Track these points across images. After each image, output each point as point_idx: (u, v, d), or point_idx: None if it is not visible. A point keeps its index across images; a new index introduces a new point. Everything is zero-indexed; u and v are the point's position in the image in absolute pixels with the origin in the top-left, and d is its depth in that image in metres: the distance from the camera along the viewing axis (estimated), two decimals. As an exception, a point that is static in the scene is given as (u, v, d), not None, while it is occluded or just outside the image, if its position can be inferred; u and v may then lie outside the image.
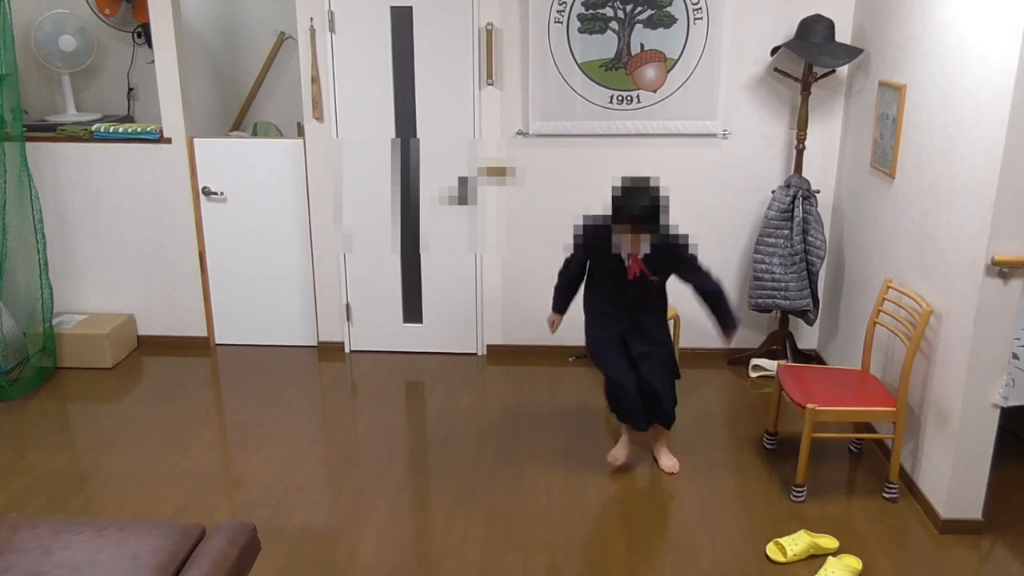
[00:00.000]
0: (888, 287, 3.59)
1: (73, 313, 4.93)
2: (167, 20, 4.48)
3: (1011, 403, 3.15)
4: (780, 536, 3.16)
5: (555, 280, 3.60)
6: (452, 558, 3.10)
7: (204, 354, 4.92)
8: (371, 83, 4.48)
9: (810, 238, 4.30)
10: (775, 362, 4.59)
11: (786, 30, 4.29)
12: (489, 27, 4.35)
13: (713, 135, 4.47)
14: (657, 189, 3.12)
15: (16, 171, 4.44)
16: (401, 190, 4.64)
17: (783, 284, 4.31)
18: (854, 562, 3.00)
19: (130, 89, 5.29)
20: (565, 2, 4.28)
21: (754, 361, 4.64)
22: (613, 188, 3.16)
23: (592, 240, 3.34)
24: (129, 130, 4.65)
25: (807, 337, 4.79)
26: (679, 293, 4.71)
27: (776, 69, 4.34)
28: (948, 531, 3.23)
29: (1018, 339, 3.15)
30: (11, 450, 3.85)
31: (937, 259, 3.28)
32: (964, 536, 3.21)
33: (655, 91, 4.40)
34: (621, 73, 4.38)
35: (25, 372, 4.52)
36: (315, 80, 4.48)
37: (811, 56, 4.07)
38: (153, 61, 4.62)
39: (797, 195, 4.25)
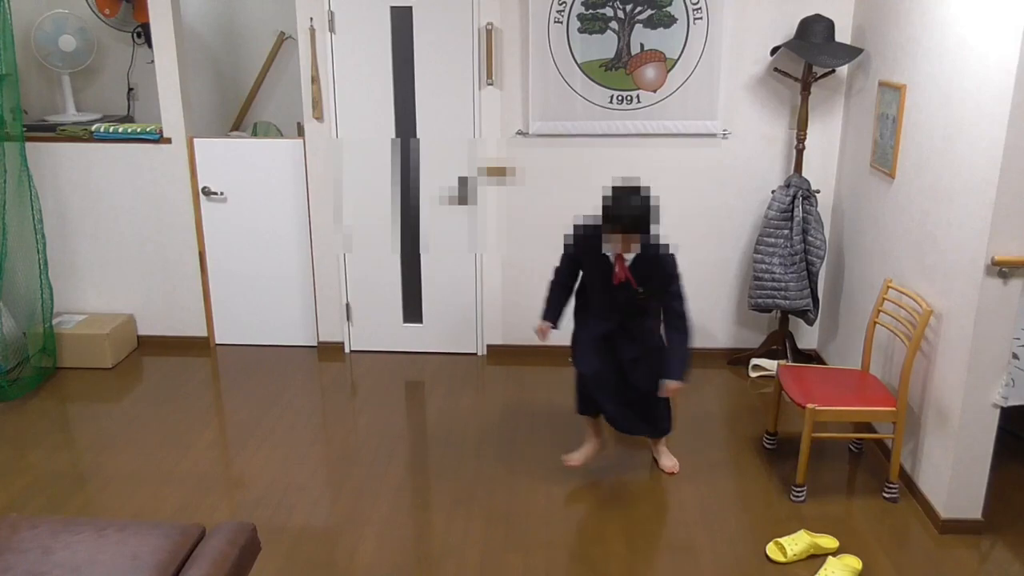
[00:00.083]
0: (888, 287, 3.59)
1: (73, 313, 4.93)
2: (167, 20, 4.48)
3: (1011, 403, 3.15)
4: (780, 536, 3.16)
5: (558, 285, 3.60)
6: (452, 558, 3.10)
7: (204, 354, 4.92)
8: (371, 83, 4.48)
9: (810, 238, 4.30)
10: (775, 362, 4.59)
11: (786, 30, 4.29)
12: (489, 27, 4.35)
13: (713, 135, 4.47)
14: (647, 193, 3.13)
15: (16, 171, 4.44)
16: (401, 190, 4.64)
17: (783, 284, 4.31)
18: (854, 562, 3.00)
19: (130, 89, 5.29)
20: (565, 2, 4.28)
21: (754, 361, 4.64)
22: (604, 192, 3.16)
23: (582, 242, 3.34)
24: (129, 130, 4.65)
25: (807, 337, 4.79)
26: (679, 293, 4.72)
27: (776, 69, 4.35)
28: (948, 531, 3.23)
29: (1018, 339, 3.15)
30: (11, 450, 3.85)
31: (937, 259, 3.28)
32: (964, 536, 3.21)
33: (655, 91, 4.40)
34: (621, 73, 4.38)
35: (25, 372, 4.52)
36: (315, 80, 4.48)
37: (811, 56, 4.07)
38: (153, 61, 4.62)
39: (797, 195, 4.25)
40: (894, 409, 3.32)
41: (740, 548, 3.15)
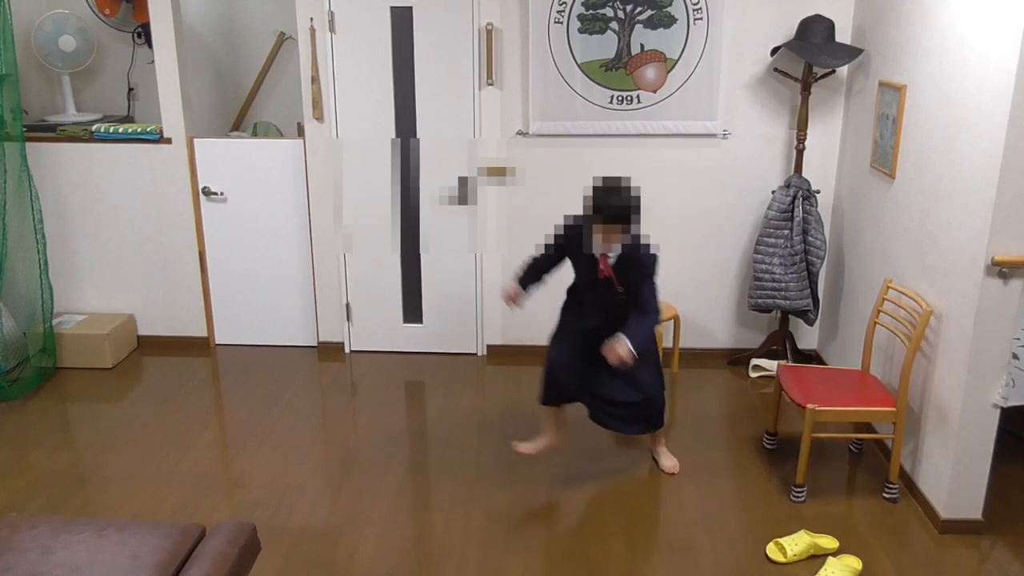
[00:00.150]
0: (888, 287, 3.59)
1: (73, 313, 4.93)
2: (167, 20, 4.48)
3: (1011, 403, 3.15)
4: (780, 536, 3.16)
5: (558, 284, 3.60)
6: (452, 558, 3.10)
7: (204, 354, 4.92)
8: (371, 83, 4.48)
9: (810, 238, 4.30)
10: (775, 362, 4.59)
11: (786, 30, 4.29)
12: (489, 27, 4.35)
13: (713, 135, 4.47)
14: (631, 188, 3.17)
15: (16, 171, 4.44)
16: (401, 190, 4.64)
17: (783, 284, 4.31)
18: (854, 562, 3.00)
19: (130, 89, 5.29)
20: (565, 2, 4.28)
21: (754, 361, 4.64)
22: (592, 186, 3.20)
23: (571, 237, 3.36)
24: (129, 130, 4.65)
25: (807, 337, 4.79)
26: (680, 293, 4.73)
27: (776, 69, 4.35)
28: (948, 531, 3.23)
29: (1018, 339, 3.15)
30: (11, 450, 3.85)
31: (937, 259, 3.28)
32: (964, 536, 3.21)
33: (655, 91, 4.40)
34: (621, 73, 4.38)
35: (25, 372, 4.52)
36: (315, 80, 4.48)
37: (811, 56, 4.07)
38: (153, 61, 4.62)
39: (797, 195, 4.25)
40: (894, 409, 3.32)
41: (740, 548, 3.15)
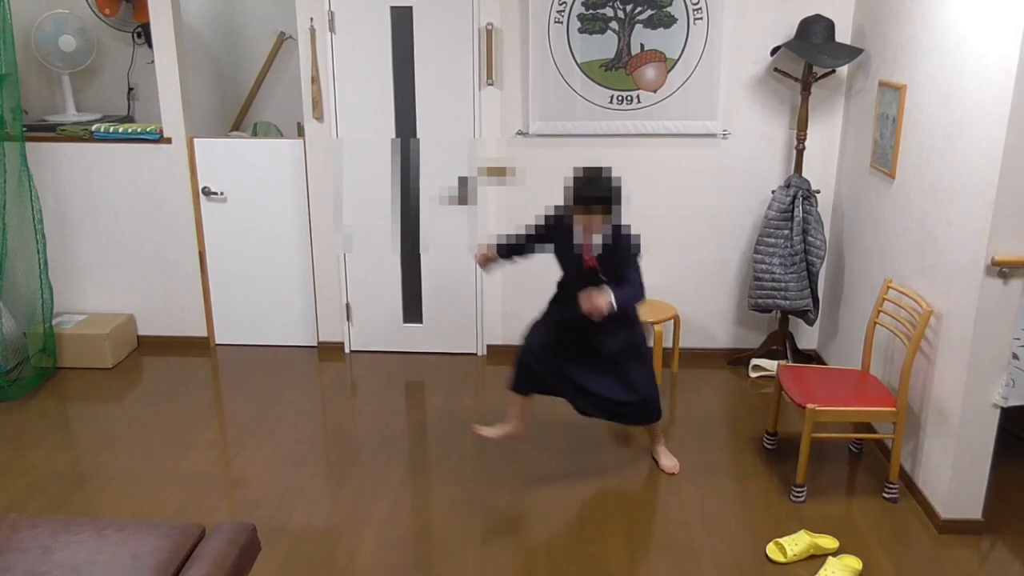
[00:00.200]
0: (888, 287, 3.59)
1: (73, 313, 4.93)
2: (167, 20, 4.48)
3: (1011, 403, 3.15)
4: (780, 536, 3.16)
5: (554, 282, 3.60)
6: (452, 558, 3.10)
7: (204, 354, 4.92)
8: (371, 83, 4.48)
9: (810, 238, 4.30)
10: (775, 362, 4.59)
11: (786, 30, 4.29)
12: (489, 27, 4.35)
13: (713, 135, 4.47)
14: (611, 176, 3.21)
15: (16, 171, 4.44)
16: (401, 190, 4.64)
17: (783, 284, 4.31)
18: (854, 562, 3.00)
19: (130, 89, 5.29)
20: (565, 2, 4.28)
21: (754, 361, 4.64)
22: (572, 176, 3.23)
23: (552, 228, 3.38)
24: (129, 130, 4.65)
25: (807, 337, 4.79)
26: (680, 293, 4.73)
27: (776, 69, 4.35)
28: (948, 531, 3.23)
29: (1018, 339, 3.14)
30: (11, 450, 3.85)
31: (937, 259, 3.28)
32: (964, 536, 3.21)
33: (655, 91, 4.40)
34: (621, 73, 4.38)
35: (25, 372, 4.52)
36: (315, 80, 4.48)
37: (811, 56, 4.07)
38: (153, 61, 4.62)
39: (797, 195, 4.25)
40: (894, 409, 3.32)
41: (740, 548, 3.15)
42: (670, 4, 4.26)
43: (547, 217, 3.43)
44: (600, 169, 3.24)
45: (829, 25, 4.10)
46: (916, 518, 3.33)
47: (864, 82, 4.12)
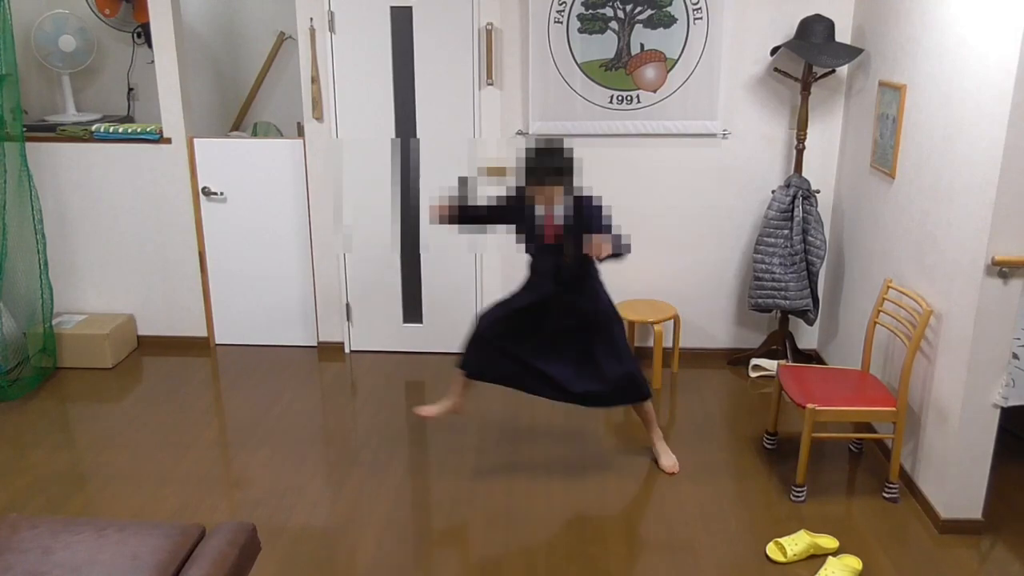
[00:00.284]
0: (888, 287, 3.59)
1: (73, 313, 4.93)
2: (167, 20, 4.48)
3: (1011, 403, 3.15)
4: (780, 536, 3.16)
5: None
6: (452, 558, 3.10)
7: (204, 354, 4.92)
8: (371, 83, 4.48)
9: (810, 238, 4.30)
10: (775, 362, 4.59)
11: (786, 30, 4.29)
12: (489, 27, 4.35)
13: (713, 135, 4.47)
14: (563, 147, 3.20)
15: (16, 171, 4.44)
16: (401, 190, 4.64)
17: (783, 284, 4.31)
18: (854, 562, 3.00)
19: (130, 89, 5.29)
20: (565, 2, 4.28)
21: (754, 361, 4.64)
22: (524, 148, 3.23)
23: (516, 206, 3.35)
24: (129, 130, 4.65)
25: (807, 337, 4.79)
26: (680, 293, 4.72)
27: (776, 69, 4.34)
28: (948, 531, 3.23)
29: (1018, 339, 3.14)
30: (11, 450, 3.85)
31: (937, 259, 3.28)
32: (964, 536, 3.21)
33: (655, 91, 4.40)
34: (621, 73, 4.38)
35: (25, 372, 4.52)
36: (315, 80, 4.48)
37: (811, 56, 4.07)
38: (153, 61, 4.62)
39: (797, 195, 4.25)
40: (894, 409, 3.32)
41: (740, 548, 3.15)
42: (670, 4, 4.26)
43: (508, 197, 3.41)
44: (551, 140, 3.24)
45: (829, 25, 4.10)
46: (916, 518, 3.33)
47: (864, 82, 4.12)
